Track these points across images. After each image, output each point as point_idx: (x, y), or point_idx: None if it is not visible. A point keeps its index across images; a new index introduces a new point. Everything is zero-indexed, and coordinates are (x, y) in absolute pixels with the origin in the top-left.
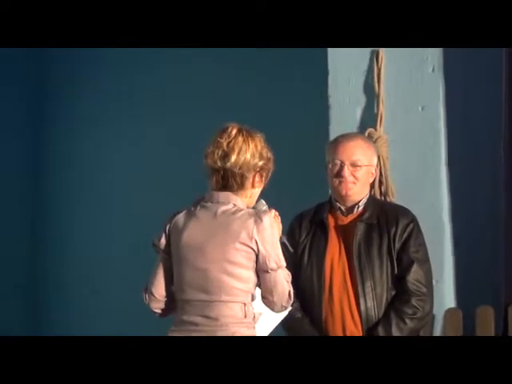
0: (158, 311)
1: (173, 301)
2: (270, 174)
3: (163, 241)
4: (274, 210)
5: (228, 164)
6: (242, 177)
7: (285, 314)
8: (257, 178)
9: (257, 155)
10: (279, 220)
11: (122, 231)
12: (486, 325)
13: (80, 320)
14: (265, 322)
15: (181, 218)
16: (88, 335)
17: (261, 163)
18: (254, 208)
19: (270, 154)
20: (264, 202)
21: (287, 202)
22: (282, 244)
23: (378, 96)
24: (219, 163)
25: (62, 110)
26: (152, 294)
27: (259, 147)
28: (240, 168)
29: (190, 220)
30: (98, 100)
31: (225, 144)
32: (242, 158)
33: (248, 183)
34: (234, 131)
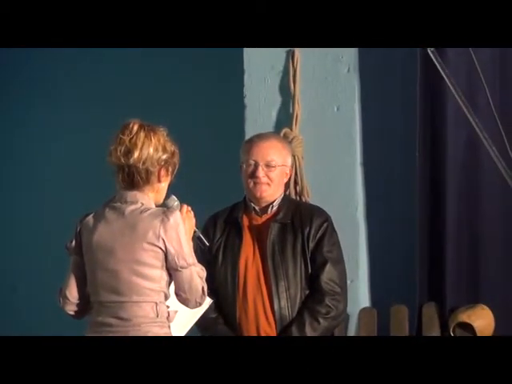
0: (73, 313)
1: (87, 302)
2: (176, 168)
3: (74, 243)
4: (186, 206)
5: (131, 160)
6: (147, 172)
7: (203, 309)
8: (162, 172)
9: (160, 149)
10: (192, 215)
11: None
12: (400, 324)
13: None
14: (181, 320)
15: (90, 219)
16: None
17: (165, 157)
18: (165, 204)
19: (174, 148)
20: (175, 197)
21: (201, 201)
22: (197, 238)
23: (293, 96)
24: (123, 160)
25: None
26: (66, 296)
27: (162, 141)
28: (144, 163)
29: (100, 221)
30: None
31: (127, 140)
32: (146, 153)
33: (154, 178)
34: (136, 127)
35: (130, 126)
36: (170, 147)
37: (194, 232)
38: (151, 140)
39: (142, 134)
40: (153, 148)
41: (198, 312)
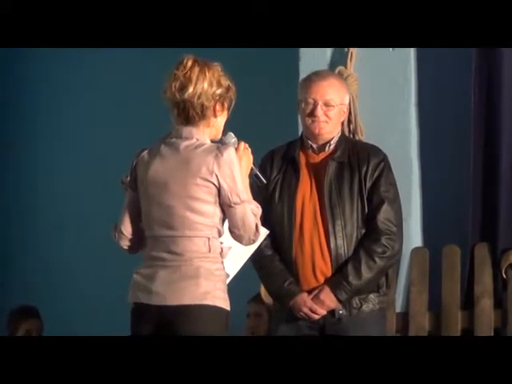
0: (127, 248)
1: (142, 237)
2: (232, 103)
3: (129, 177)
4: (243, 143)
5: (186, 95)
6: (203, 106)
7: (255, 246)
8: (218, 107)
9: (215, 83)
10: (249, 152)
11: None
12: (452, 264)
13: None
14: (235, 256)
15: (146, 154)
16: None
17: (219, 91)
18: (221, 140)
19: (229, 83)
20: (232, 134)
21: (259, 138)
22: (254, 176)
23: None
24: (177, 95)
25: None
26: (121, 231)
27: (216, 75)
28: (199, 98)
29: (155, 156)
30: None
31: (181, 75)
32: (200, 88)
33: (209, 113)
34: (190, 62)
35: (185, 61)
36: (225, 82)
37: (251, 169)
38: (205, 75)
39: (196, 69)
40: (207, 82)
41: (253, 247)
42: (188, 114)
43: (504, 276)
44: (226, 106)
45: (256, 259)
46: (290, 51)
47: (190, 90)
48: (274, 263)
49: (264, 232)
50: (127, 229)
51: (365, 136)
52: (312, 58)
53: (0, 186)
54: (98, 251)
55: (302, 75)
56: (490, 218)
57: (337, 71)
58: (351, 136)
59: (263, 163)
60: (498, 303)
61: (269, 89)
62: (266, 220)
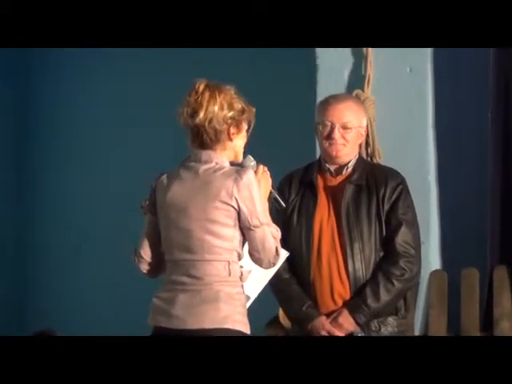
0: (147, 272)
1: (161, 261)
2: (251, 126)
3: (149, 201)
4: (262, 166)
5: (197, 120)
6: (215, 131)
7: (275, 269)
8: (232, 130)
9: (226, 107)
10: (268, 175)
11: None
12: (471, 287)
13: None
14: (255, 280)
15: (165, 178)
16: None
17: (231, 114)
18: (240, 163)
19: (242, 105)
20: (252, 157)
21: (278, 162)
22: (274, 199)
23: (365, 57)
24: (189, 121)
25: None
26: (140, 255)
27: (228, 98)
28: (210, 122)
29: (174, 180)
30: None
31: (193, 101)
32: (211, 112)
33: (223, 136)
34: (202, 87)
35: (196, 86)
36: (238, 104)
37: (270, 192)
38: (216, 99)
39: (207, 94)
40: (218, 106)
41: (273, 270)
42: (202, 138)
43: None
44: (241, 128)
45: (274, 282)
46: (308, 75)
47: (201, 114)
48: (292, 286)
49: (284, 254)
50: (147, 253)
51: (383, 159)
52: (329, 82)
53: (16, 210)
54: (113, 275)
55: (319, 99)
56: (508, 241)
57: (354, 94)
58: (369, 159)
59: (281, 186)
60: None
61: (286, 112)
62: (284, 243)
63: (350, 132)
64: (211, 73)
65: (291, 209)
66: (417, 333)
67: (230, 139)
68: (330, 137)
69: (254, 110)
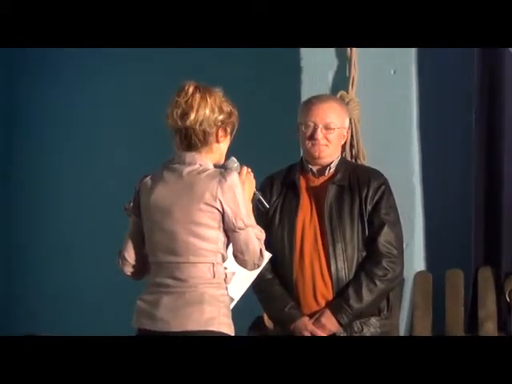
0: (131, 274)
1: (145, 263)
2: (234, 128)
3: (133, 203)
4: (245, 167)
5: (188, 122)
6: (205, 133)
7: (259, 270)
8: (220, 133)
9: (216, 110)
10: (251, 176)
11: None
12: (456, 288)
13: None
14: (239, 282)
15: (149, 180)
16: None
17: (221, 117)
18: (224, 165)
19: (230, 108)
20: (235, 159)
21: (261, 163)
22: (257, 200)
23: (349, 59)
24: (179, 122)
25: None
26: (124, 258)
27: (218, 101)
28: (201, 124)
29: (158, 182)
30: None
31: (183, 102)
32: (202, 114)
33: (212, 139)
34: (191, 89)
35: (186, 88)
36: (227, 107)
37: (254, 194)
38: (207, 101)
39: (197, 96)
40: (209, 109)
41: (256, 271)
42: (190, 140)
43: (508, 299)
44: (228, 131)
45: (256, 283)
46: (291, 77)
47: (192, 116)
48: (274, 287)
49: (267, 256)
50: (131, 255)
51: (367, 160)
52: (313, 83)
53: (5, 210)
54: (103, 277)
55: (303, 99)
56: (493, 242)
57: (338, 96)
58: (353, 160)
59: (263, 188)
60: (502, 327)
61: (270, 113)
62: (266, 244)
63: (332, 132)
64: (205, 73)
65: (273, 210)
66: (402, 333)
67: (218, 142)
68: (312, 137)
69: (236, 112)
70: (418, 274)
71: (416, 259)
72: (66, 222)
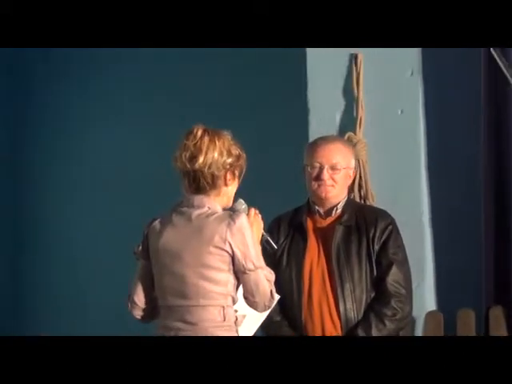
0: (141, 318)
1: (155, 307)
2: (243, 171)
3: (142, 247)
4: (253, 209)
5: (196, 165)
6: (213, 176)
7: (267, 312)
8: (228, 176)
9: (225, 153)
10: (259, 218)
11: (111, 232)
12: (468, 328)
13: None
14: (249, 323)
15: (157, 223)
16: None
17: (230, 160)
18: (232, 208)
19: (239, 152)
20: (243, 201)
21: (269, 204)
22: (265, 242)
23: (357, 100)
24: (188, 165)
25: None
26: (134, 301)
27: (226, 145)
28: (209, 168)
29: (166, 226)
30: (85, 99)
31: (191, 145)
32: (210, 157)
33: (220, 182)
34: (200, 132)
35: (194, 131)
36: (235, 151)
37: (262, 235)
38: (215, 144)
39: (206, 139)
40: (217, 152)
41: (266, 313)
42: (199, 183)
43: None
44: (236, 174)
45: (265, 325)
46: (299, 118)
47: (201, 160)
48: (283, 329)
49: (276, 297)
50: (140, 298)
51: (376, 201)
52: (321, 125)
53: (10, 211)
54: (106, 278)
55: (310, 140)
56: (504, 281)
57: (346, 137)
58: (362, 201)
59: (270, 229)
60: None
61: (277, 155)
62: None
63: (338, 173)
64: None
65: (281, 251)
66: None
67: (226, 185)
68: (319, 178)
69: (245, 156)
70: (429, 314)
71: (427, 299)
72: (70, 223)
